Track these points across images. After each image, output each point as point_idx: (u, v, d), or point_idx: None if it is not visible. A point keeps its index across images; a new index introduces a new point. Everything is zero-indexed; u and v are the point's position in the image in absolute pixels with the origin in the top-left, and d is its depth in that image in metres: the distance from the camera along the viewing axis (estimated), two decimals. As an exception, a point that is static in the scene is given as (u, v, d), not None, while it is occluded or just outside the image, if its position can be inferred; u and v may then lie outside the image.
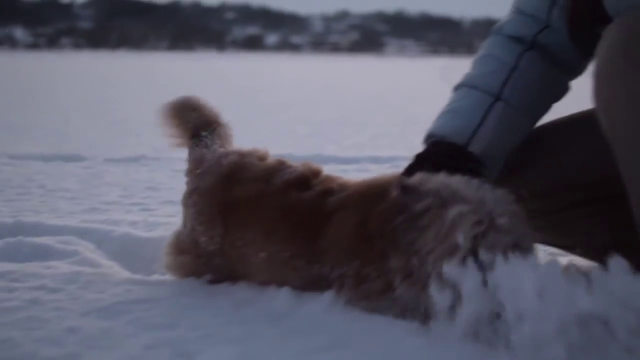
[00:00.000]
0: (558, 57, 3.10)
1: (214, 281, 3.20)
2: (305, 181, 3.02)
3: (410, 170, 2.86)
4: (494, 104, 3.01)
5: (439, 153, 2.95)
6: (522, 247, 2.44)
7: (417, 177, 2.66)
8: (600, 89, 2.66)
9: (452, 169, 2.71)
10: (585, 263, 3.46)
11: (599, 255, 3.38)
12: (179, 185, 6.58)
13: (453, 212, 2.44)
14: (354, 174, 5.66)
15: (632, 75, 2.50)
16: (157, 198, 5.95)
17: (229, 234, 3.09)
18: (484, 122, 2.97)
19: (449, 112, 3.08)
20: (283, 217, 2.94)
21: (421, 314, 2.56)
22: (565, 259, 3.54)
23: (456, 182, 2.59)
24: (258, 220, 3.01)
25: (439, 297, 2.41)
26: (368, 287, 2.69)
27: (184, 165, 7.70)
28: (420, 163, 2.93)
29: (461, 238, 2.39)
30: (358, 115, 15.07)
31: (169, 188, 6.36)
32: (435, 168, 2.74)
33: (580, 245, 3.44)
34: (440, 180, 2.60)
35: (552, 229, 3.33)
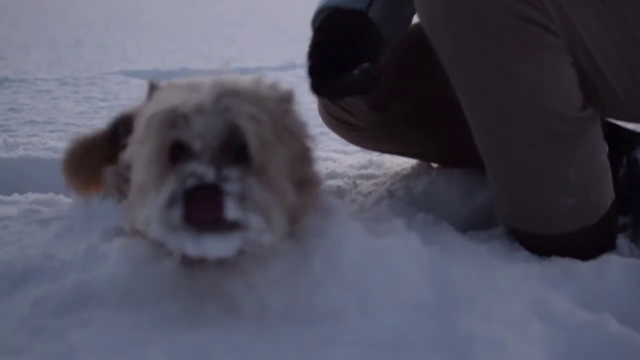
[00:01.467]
0: None
1: None
2: None
3: (314, 48, 2.77)
4: None
5: (339, 21, 2.80)
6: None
7: None
8: (422, 7, 2.70)
9: (354, 37, 2.67)
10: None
11: (440, 161, 3.54)
12: (42, 105, 6.60)
13: (147, 111, 2.11)
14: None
15: None
16: (19, 119, 5.89)
17: None
18: None
19: None
20: None
21: None
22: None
23: None
24: None
25: None
26: None
27: (47, 86, 7.66)
28: (319, 36, 2.80)
29: None
30: (226, 28, 14.95)
31: (32, 108, 6.29)
32: (335, 38, 2.71)
33: (419, 152, 3.57)
34: None
35: (393, 139, 3.44)
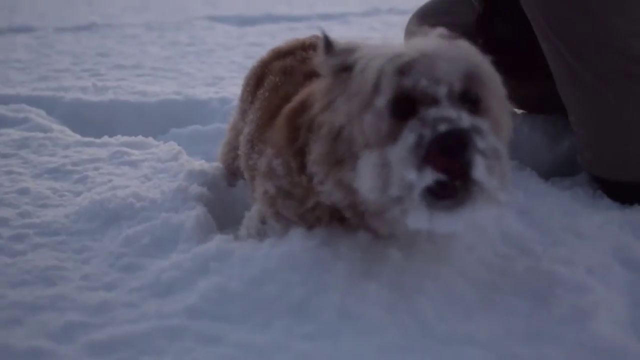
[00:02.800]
0: None
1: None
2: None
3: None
4: None
5: None
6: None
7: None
8: None
9: None
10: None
11: (524, 107, 3.52)
12: (130, 50, 6.71)
13: (363, 60, 1.88)
14: (304, 32, 5.71)
15: None
16: (108, 63, 5.99)
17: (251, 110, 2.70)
18: None
19: None
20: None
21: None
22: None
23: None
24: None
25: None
26: None
27: (134, 31, 7.77)
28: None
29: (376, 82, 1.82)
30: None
31: (120, 53, 6.40)
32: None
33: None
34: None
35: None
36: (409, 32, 2.15)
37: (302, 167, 2.06)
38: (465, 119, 1.71)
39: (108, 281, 2.15)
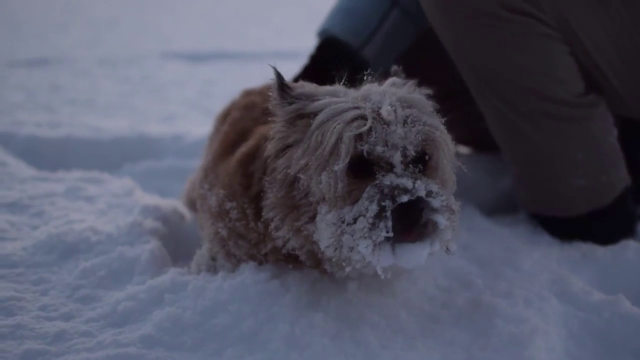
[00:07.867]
0: None
1: None
2: None
3: (305, 71, 2.96)
4: (391, 10, 3.09)
5: (331, 54, 3.04)
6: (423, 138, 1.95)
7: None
8: (426, 6, 2.83)
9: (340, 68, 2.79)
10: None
11: (469, 144, 3.61)
12: (83, 84, 6.73)
13: (323, 115, 1.96)
14: (255, 68, 5.77)
15: None
16: (60, 99, 6.00)
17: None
18: (380, 28, 3.05)
19: (344, 10, 3.12)
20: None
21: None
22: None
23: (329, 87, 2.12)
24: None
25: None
26: None
27: (86, 66, 7.78)
28: (314, 65, 3.00)
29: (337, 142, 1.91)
30: (261, 9, 14.99)
31: (72, 88, 6.40)
32: (326, 68, 2.81)
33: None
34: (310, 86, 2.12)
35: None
36: None
37: (258, 214, 2.16)
38: (420, 187, 1.82)
39: (66, 311, 2.22)
